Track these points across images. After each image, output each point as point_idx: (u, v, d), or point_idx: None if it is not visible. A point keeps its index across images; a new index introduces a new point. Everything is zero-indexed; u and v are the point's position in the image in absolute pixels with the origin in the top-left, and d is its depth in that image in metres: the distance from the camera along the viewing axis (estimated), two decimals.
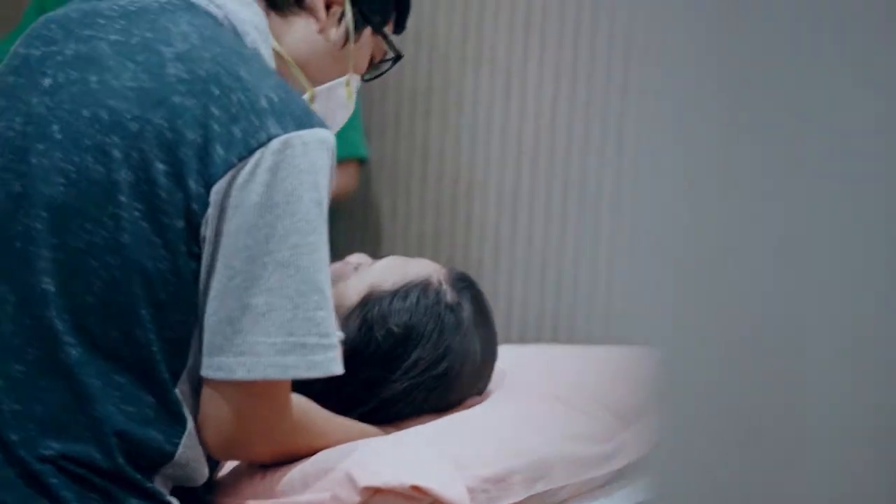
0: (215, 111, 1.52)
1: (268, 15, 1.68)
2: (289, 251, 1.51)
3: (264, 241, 1.51)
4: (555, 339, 2.76)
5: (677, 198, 0.69)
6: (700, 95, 0.67)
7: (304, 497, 1.62)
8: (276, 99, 1.54)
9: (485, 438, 1.73)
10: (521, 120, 2.91)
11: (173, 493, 1.58)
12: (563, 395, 1.87)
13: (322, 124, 1.57)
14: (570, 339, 2.68)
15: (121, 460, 1.53)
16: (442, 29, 2.96)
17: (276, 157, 1.51)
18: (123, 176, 1.53)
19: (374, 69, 1.80)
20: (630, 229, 0.72)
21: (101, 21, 1.61)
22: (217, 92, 1.53)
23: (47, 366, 1.54)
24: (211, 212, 1.51)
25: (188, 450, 1.57)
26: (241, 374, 1.52)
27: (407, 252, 1.93)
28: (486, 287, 1.99)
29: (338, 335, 1.77)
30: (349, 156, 3.01)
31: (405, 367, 1.77)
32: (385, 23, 1.76)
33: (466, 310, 1.82)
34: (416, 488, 1.57)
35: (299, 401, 1.63)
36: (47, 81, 1.59)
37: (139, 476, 1.54)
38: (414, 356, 1.77)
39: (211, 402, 1.56)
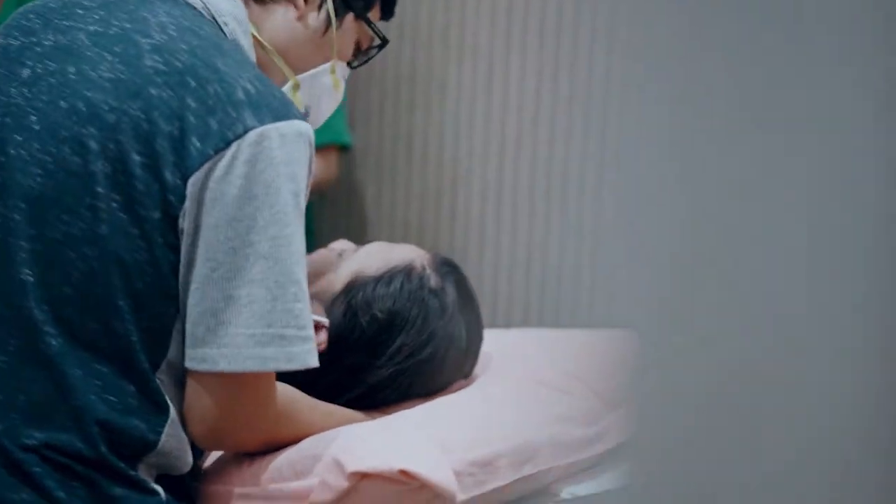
0: (192, 103, 1.52)
1: (247, 3, 1.68)
2: (268, 243, 1.51)
3: (245, 233, 1.51)
4: (541, 323, 2.77)
5: (660, 187, 0.69)
6: (682, 86, 0.68)
7: (292, 483, 1.62)
8: (253, 91, 1.53)
9: (471, 422, 1.74)
10: (505, 109, 2.92)
11: (158, 480, 1.58)
12: (549, 379, 1.87)
13: (300, 116, 1.56)
14: (556, 324, 2.68)
15: (104, 449, 1.53)
16: (425, 18, 2.96)
17: (254, 150, 1.51)
18: (100, 167, 1.53)
19: (361, 56, 1.80)
20: (613, 216, 0.72)
21: (80, 11, 1.61)
22: (194, 84, 1.53)
23: (29, 356, 1.54)
24: (188, 204, 1.51)
25: (171, 438, 1.57)
26: (223, 365, 1.53)
27: (392, 241, 1.93)
28: (470, 276, 1.99)
29: (323, 322, 1.78)
30: (330, 141, 3.01)
31: (390, 353, 1.77)
32: (369, 8, 1.76)
33: (450, 294, 1.83)
34: (403, 472, 1.58)
35: (284, 390, 1.63)
36: (26, 72, 1.59)
37: (122, 465, 1.54)
38: (399, 341, 1.77)
39: (195, 393, 1.56)
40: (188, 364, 1.55)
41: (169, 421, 1.57)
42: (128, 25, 1.58)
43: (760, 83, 0.66)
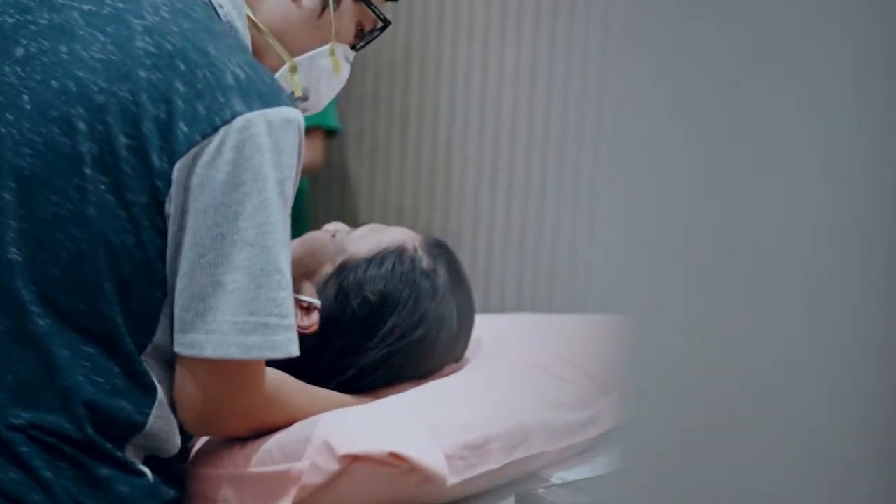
0: (180, 87, 1.51)
1: None
2: (255, 230, 1.51)
3: (233, 219, 1.50)
4: (534, 309, 2.77)
5: (656, 174, 0.69)
6: (679, 75, 0.67)
7: (283, 466, 1.62)
8: (242, 76, 1.52)
9: (463, 405, 1.73)
10: (499, 91, 2.91)
11: (146, 462, 1.58)
12: (542, 363, 1.87)
13: (289, 103, 1.55)
14: (549, 310, 2.68)
15: (90, 430, 1.53)
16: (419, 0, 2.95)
17: (241, 136, 1.49)
18: (88, 148, 1.52)
19: (365, 38, 1.78)
20: (608, 204, 0.72)
21: None
22: (183, 67, 1.52)
23: (17, 335, 1.54)
24: (174, 189, 1.50)
25: (159, 420, 1.56)
26: (209, 351, 1.52)
27: (386, 223, 1.93)
28: (465, 258, 1.99)
29: (315, 303, 1.77)
30: (316, 125, 3.00)
31: (382, 335, 1.77)
32: None
33: (442, 276, 1.82)
34: (394, 455, 1.57)
35: (274, 375, 1.63)
36: (20, 51, 1.58)
37: (110, 446, 1.54)
38: (390, 323, 1.77)
39: (184, 379, 1.56)
40: (177, 349, 1.54)
41: (157, 403, 1.56)
42: (121, 5, 1.57)
43: (759, 76, 0.65)
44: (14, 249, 1.54)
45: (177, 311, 1.53)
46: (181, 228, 1.51)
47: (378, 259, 1.79)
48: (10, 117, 1.56)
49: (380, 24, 1.76)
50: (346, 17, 1.72)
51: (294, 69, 1.69)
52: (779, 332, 0.67)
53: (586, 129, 2.76)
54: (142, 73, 1.52)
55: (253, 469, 1.63)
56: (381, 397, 1.76)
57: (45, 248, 1.53)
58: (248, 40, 1.65)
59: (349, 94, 3.12)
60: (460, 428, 1.68)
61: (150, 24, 1.55)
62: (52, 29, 1.58)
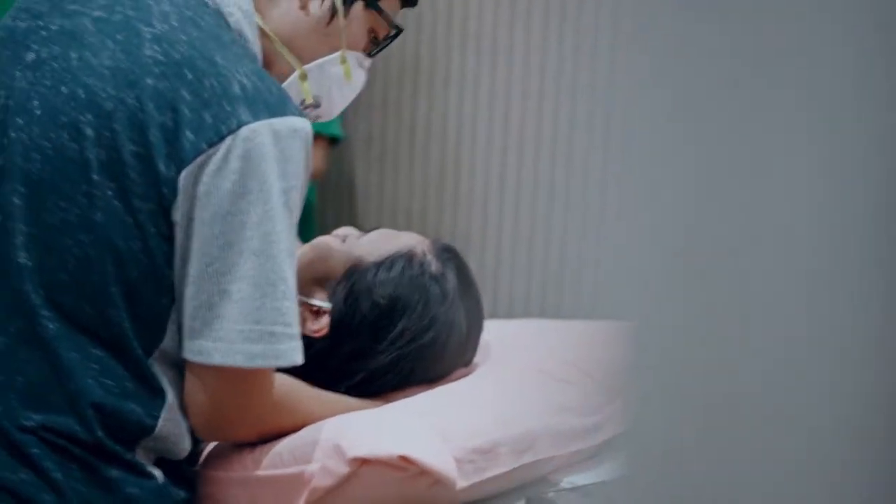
0: (187, 96, 1.51)
1: None
2: (260, 239, 1.51)
3: (240, 229, 1.51)
4: (542, 315, 2.77)
5: (654, 174, 0.69)
6: (684, 80, 0.68)
7: (293, 469, 1.62)
8: (249, 86, 1.53)
9: (472, 410, 1.74)
10: (508, 97, 2.92)
11: (156, 464, 1.59)
12: (551, 368, 1.87)
13: (297, 112, 1.55)
14: (558, 315, 2.68)
15: (100, 433, 1.53)
16: (428, 7, 2.96)
17: (247, 145, 1.50)
18: (95, 154, 1.52)
19: (379, 44, 1.77)
20: (614, 209, 0.72)
21: None
22: (190, 76, 1.52)
23: (27, 338, 1.54)
24: (181, 197, 1.51)
25: (168, 423, 1.57)
26: (217, 358, 1.53)
27: (395, 228, 1.93)
28: (473, 264, 1.99)
29: (325, 307, 1.78)
30: (318, 132, 3.01)
31: (391, 338, 1.77)
32: None
33: (451, 280, 1.83)
34: (403, 458, 1.58)
35: (283, 380, 1.63)
36: (31, 56, 1.59)
37: (119, 448, 1.55)
38: (400, 327, 1.77)
39: (193, 385, 1.57)
40: (186, 356, 1.55)
41: (166, 406, 1.57)
42: (131, 13, 1.58)
43: (760, 76, 0.66)
44: (23, 253, 1.55)
45: (185, 318, 1.54)
46: (188, 236, 1.52)
47: (388, 263, 1.80)
48: (21, 122, 1.57)
49: (392, 30, 1.77)
50: (357, 24, 1.72)
51: (304, 76, 1.70)
52: (779, 333, 0.67)
53: (594, 136, 2.77)
54: (149, 81, 1.52)
55: (263, 472, 1.64)
56: (390, 401, 1.76)
57: (53, 254, 1.54)
58: (257, 48, 1.65)
59: (358, 100, 3.11)
60: (469, 432, 1.68)
61: (158, 33, 1.55)
62: (62, 35, 1.58)
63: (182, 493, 1.61)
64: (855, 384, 0.67)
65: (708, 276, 0.68)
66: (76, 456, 1.53)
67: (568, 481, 1.76)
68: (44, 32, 1.59)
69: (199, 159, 1.50)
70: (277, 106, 1.53)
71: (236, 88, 1.52)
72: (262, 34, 1.66)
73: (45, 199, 1.54)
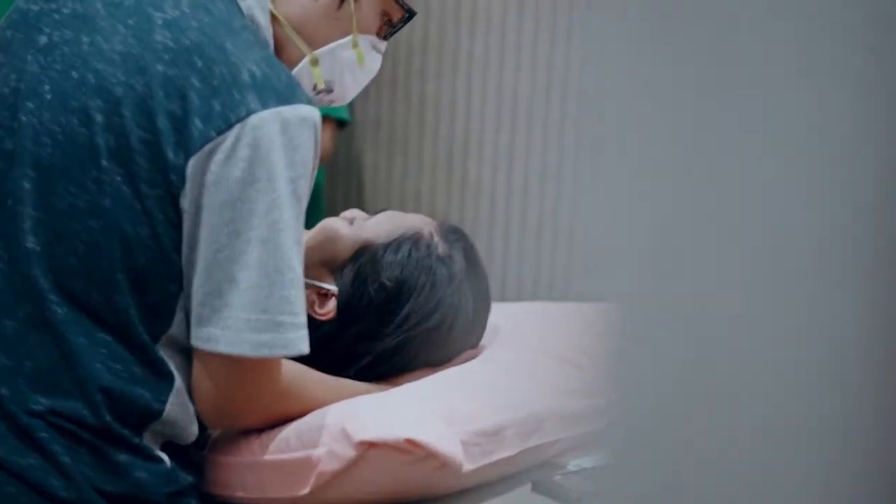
0: (196, 83, 1.51)
1: None
2: (268, 228, 1.51)
3: (248, 217, 1.51)
4: (550, 297, 2.77)
5: (641, 163, 0.69)
6: (678, 78, 0.68)
7: (300, 453, 1.62)
8: (259, 74, 1.52)
9: (479, 393, 1.74)
10: (517, 79, 2.91)
11: (164, 448, 1.59)
12: (557, 351, 1.87)
13: (306, 101, 1.55)
14: (566, 298, 2.68)
15: (108, 417, 1.54)
16: None
17: (256, 133, 1.50)
18: (105, 140, 1.52)
19: (394, 27, 1.76)
20: (601, 194, 0.72)
21: None
22: (200, 63, 1.52)
23: (36, 323, 1.55)
24: (189, 185, 1.51)
25: (176, 407, 1.57)
26: (223, 346, 1.53)
27: (403, 210, 1.93)
28: (481, 246, 1.98)
29: (332, 289, 1.78)
30: (325, 115, 3.01)
31: (398, 321, 1.77)
32: None
33: (458, 262, 1.83)
34: (410, 442, 1.58)
35: (290, 366, 1.63)
36: (43, 39, 1.59)
37: (127, 432, 1.55)
38: (407, 309, 1.77)
39: (201, 372, 1.57)
40: (194, 342, 1.55)
41: (174, 390, 1.57)
42: None
43: (744, 71, 0.66)
44: (32, 238, 1.55)
45: (194, 305, 1.54)
46: (196, 224, 1.52)
47: (394, 245, 1.80)
48: (31, 106, 1.57)
49: (406, 13, 1.76)
50: (368, 7, 1.71)
51: (315, 61, 1.69)
52: (765, 319, 0.67)
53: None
54: (159, 68, 1.52)
55: (270, 457, 1.64)
56: (397, 385, 1.77)
57: (62, 239, 1.54)
58: (269, 34, 1.65)
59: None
60: (476, 415, 1.68)
61: (170, 18, 1.55)
62: (74, 18, 1.58)
63: (189, 478, 1.61)
64: (839, 371, 0.67)
65: (692, 259, 0.68)
66: (84, 440, 1.54)
67: (575, 464, 1.76)
68: (56, 16, 1.59)
69: (208, 147, 1.50)
70: (287, 94, 1.53)
71: (246, 76, 1.52)
72: (274, 19, 1.66)
73: (54, 183, 1.54)
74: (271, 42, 1.65)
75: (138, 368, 1.55)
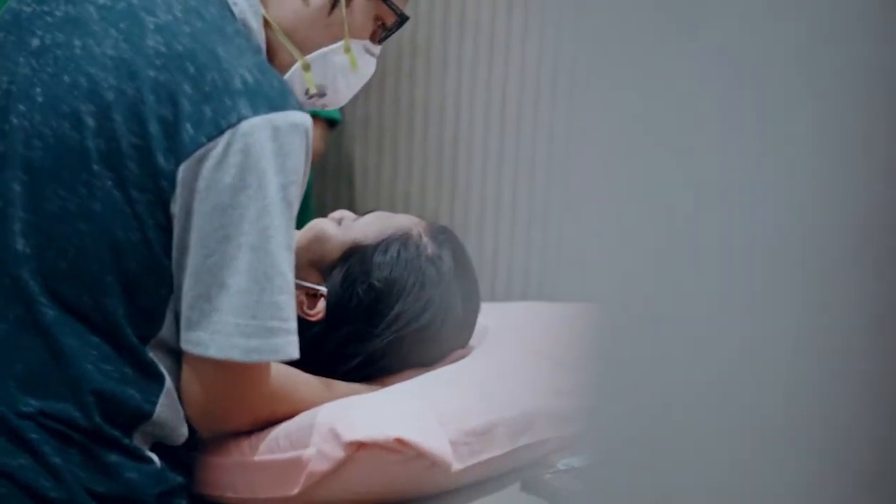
0: (188, 89, 1.51)
1: None
2: (258, 234, 1.51)
3: (238, 222, 1.51)
4: (539, 297, 2.77)
5: (624, 162, 0.70)
6: (665, 75, 0.68)
7: (290, 454, 1.63)
8: (251, 80, 1.52)
9: (469, 392, 1.74)
10: (506, 81, 2.91)
11: (153, 449, 1.59)
12: (547, 351, 1.88)
13: (297, 107, 1.55)
14: (555, 298, 2.68)
15: (98, 419, 1.54)
16: None
17: (246, 140, 1.50)
18: (95, 144, 1.53)
19: (388, 31, 1.76)
20: (581, 196, 0.72)
21: None
22: (192, 69, 1.52)
23: (26, 325, 1.55)
24: (179, 190, 1.51)
25: (166, 409, 1.57)
26: (213, 351, 1.53)
27: (393, 212, 1.93)
28: (471, 246, 1.99)
29: (321, 290, 1.78)
30: (316, 114, 3.00)
31: (387, 321, 1.77)
32: None
33: (447, 262, 1.83)
34: (399, 441, 1.58)
35: (279, 369, 1.63)
36: (35, 42, 1.59)
37: (117, 433, 1.55)
38: (396, 309, 1.78)
39: (190, 376, 1.57)
40: (183, 346, 1.56)
41: (164, 391, 1.57)
42: (135, 1, 1.57)
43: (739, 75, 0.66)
44: (22, 240, 1.55)
45: (183, 309, 1.54)
46: (186, 229, 1.52)
47: (383, 246, 1.80)
48: (23, 108, 1.57)
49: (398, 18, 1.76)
50: (361, 12, 1.71)
51: (307, 66, 1.69)
52: (744, 317, 0.67)
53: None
54: (150, 73, 1.52)
55: (260, 457, 1.64)
56: (386, 385, 1.77)
57: (52, 242, 1.54)
58: (261, 39, 1.65)
59: None
60: (466, 414, 1.69)
61: (161, 23, 1.55)
62: (67, 22, 1.58)
63: (179, 478, 1.61)
64: (822, 370, 0.67)
65: (669, 258, 0.68)
66: (75, 441, 1.54)
67: (564, 463, 1.77)
68: (49, 18, 1.59)
69: (199, 153, 1.50)
70: (278, 100, 1.53)
71: (237, 82, 1.52)
72: (266, 24, 1.66)
73: (44, 187, 1.54)
74: (263, 47, 1.65)
75: (129, 369, 1.55)
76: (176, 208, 1.52)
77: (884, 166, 0.64)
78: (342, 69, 1.72)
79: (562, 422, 1.78)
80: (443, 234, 1.86)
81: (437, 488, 1.69)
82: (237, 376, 1.57)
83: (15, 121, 1.57)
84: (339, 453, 1.59)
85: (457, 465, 1.63)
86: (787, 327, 0.66)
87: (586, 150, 0.71)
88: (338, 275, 1.78)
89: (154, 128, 1.51)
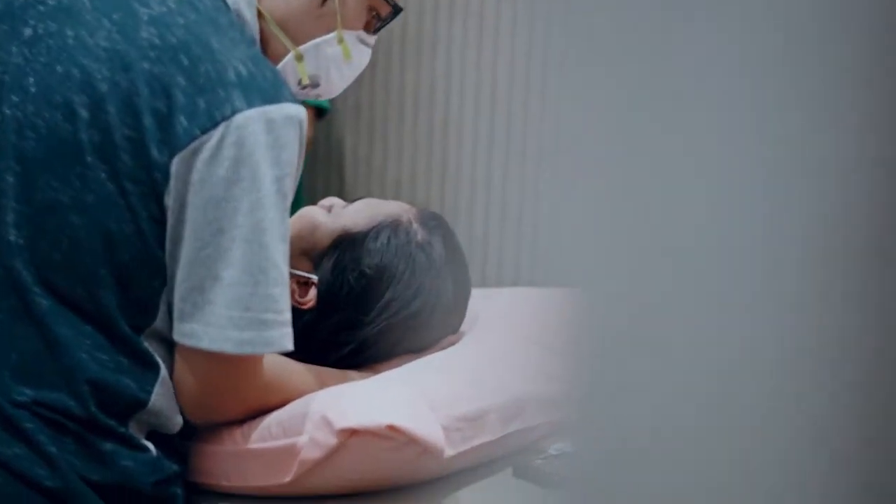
0: (182, 81, 1.51)
1: None
2: (253, 227, 1.52)
3: (232, 215, 1.51)
4: (530, 283, 2.77)
5: (611, 153, 0.70)
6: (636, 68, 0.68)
7: (282, 441, 1.63)
8: (245, 72, 1.53)
9: (460, 378, 1.74)
10: (495, 65, 2.92)
11: (149, 437, 1.60)
12: (538, 336, 1.88)
13: (291, 99, 1.55)
14: (546, 284, 2.69)
15: (93, 408, 1.54)
16: None
17: (241, 133, 1.50)
18: (89, 136, 1.52)
19: (382, 21, 1.76)
20: (566, 181, 0.73)
21: None
22: (186, 62, 1.52)
23: (20, 314, 1.55)
24: (173, 183, 1.51)
25: (161, 397, 1.58)
26: (206, 342, 1.54)
27: (383, 198, 1.94)
28: (462, 232, 1.99)
29: (312, 278, 1.78)
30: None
31: (379, 308, 1.78)
32: None
33: (437, 248, 1.83)
34: (391, 428, 1.58)
35: (271, 359, 1.63)
36: (28, 31, 1.59)
37: (113, 422, 1.56)
38: (387, 296, 1.78)
39: (183, 367, 1.58)
40: (176, 338, 1.56)
41: (159, 380, 1.58)
42: None
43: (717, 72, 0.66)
44: (15, 231, 1.55)
45: (176, 301, 1.54)
46: (180, 221, 1.52)
47: (374, 233, 1.80)
48: (16, 99, 1.56)
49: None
50: (354, 3, 1.72)
51: (300, 57, 1.70)
52: (731, 307, 0.67)
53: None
54: (144, 65, 1.52)
55: (253, 445, 1.65)
56: (378, 372, 1.77)
57: (46, 234, 1.54)
58: (255, 30, 1.65)
59: None
60: (457, 400, 1.69)
61: (155, 15, 1.55)
62: (59, 11, 1.58)
63: (175, 467, 1.62)
64: (810, 361, 0.67)
65: (660, 243, 0.68)
66: (70, 430, 1.54)
67: (556, 448, 1.77)
68: (41, 7, 1.59)
69: (192, 145, 1.50)
70: (272, 92, 1.53)
71: (231, 74, 1.52)
72: (259, 14, 1.66)
73: (37, 178, 1.54)
74: (257, 38, 1.65)
75: (123, 359, 1.56)
76: (170, 200, 1.52)
77: (884, 166, 0.65)
78: (335, 60, 1.72)
79: (553, 407, 1.79)
80: (433, 221, 1.86)
81: (430, 475, 1.69)
82: (230, 368, 1.58)
83: (8, 111, 1.57)
84: (331, 441, 1.60)
85: (449, 451, 1.64)
86: (773, 313, 0.67)
87: (576, 136, 0.71)
88: (328, 263, 1.79)
89: (148, 120, 1.51)
